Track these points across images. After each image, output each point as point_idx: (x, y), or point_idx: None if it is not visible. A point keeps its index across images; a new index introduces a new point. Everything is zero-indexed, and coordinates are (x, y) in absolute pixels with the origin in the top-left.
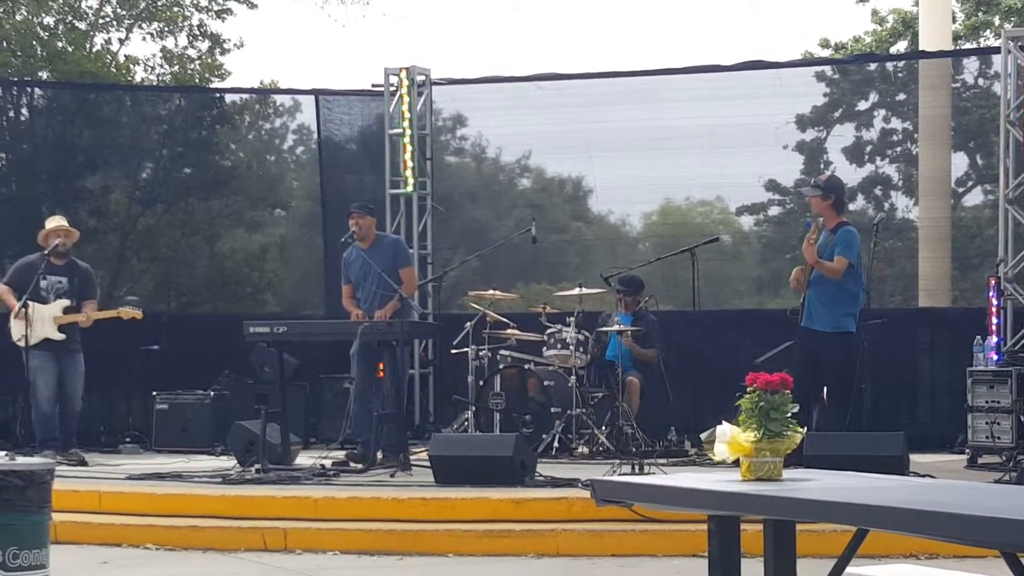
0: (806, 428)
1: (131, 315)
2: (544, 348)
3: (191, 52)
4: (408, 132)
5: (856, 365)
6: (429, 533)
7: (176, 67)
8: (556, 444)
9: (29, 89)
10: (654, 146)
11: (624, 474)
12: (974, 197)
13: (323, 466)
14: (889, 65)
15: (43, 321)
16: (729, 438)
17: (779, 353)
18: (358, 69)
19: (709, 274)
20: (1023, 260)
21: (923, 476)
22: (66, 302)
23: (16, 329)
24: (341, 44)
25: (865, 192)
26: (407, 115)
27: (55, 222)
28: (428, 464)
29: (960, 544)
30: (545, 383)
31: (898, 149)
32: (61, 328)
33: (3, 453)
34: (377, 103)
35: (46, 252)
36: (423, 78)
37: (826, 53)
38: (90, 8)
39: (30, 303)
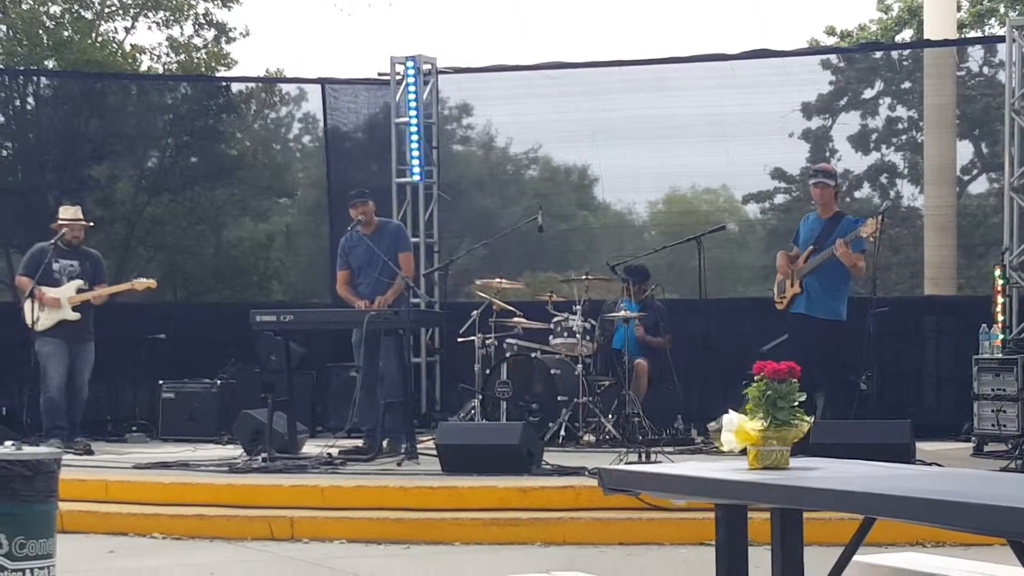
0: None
1: (145, 285)
2: (550, 336)
3: (197, 41)
4: (414, 121)
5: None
6: (436, 521)
7: (182, 56)
8: (563, 432)
9: (35, 78)
10: (660, 135)
11: (631, 462)
12: (979, 185)
13: (330, 455)
14: (894, 53)
15: (58, 298)
16: (736, 427)
17: (786, 341)
18: (364, 58)
19: (715, 262)
20: None
21: (929, 464)
22: (79, 283)
23: (29, 314)
24: (347, 33)
25: (871, 180)
26: (413, 104)
27: (71, 213)
28: (435, 452)
29: (966, 532)
30: (552, 371)
31: (903, 137)
32: (75, 308)
33: (10, 443)
34: (383, 92)
35: (55, 239)
36: (429, 67)
37: (832, 41)
38: None
39: (41, 288)
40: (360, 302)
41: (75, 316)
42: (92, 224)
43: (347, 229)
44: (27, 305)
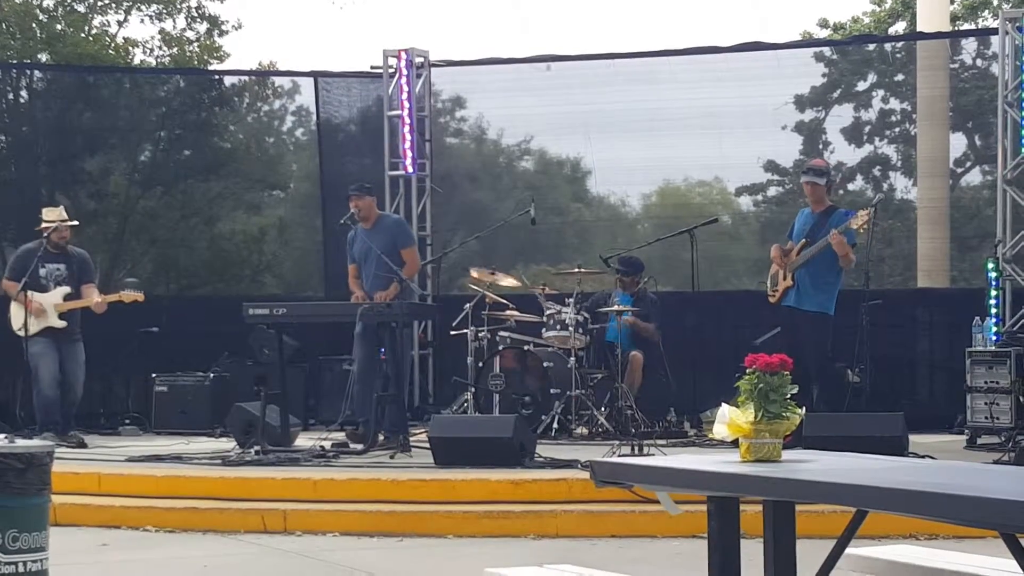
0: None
1: (133, 298)
2: (543, 329)
3: (189, 34)
4: (407, 114)
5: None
6: (428, 514)
7: (175, 49)
8: (555, 425)
9: (28, 72)
10: (653, 127)
11: (623, 455)
12: (972, 177)
13: (323, 447)
14: (888, 46)
15: (44, 309)
16: (728, 419)
17: (778, 334)
18: (357, 51)
19: (708, 255)
20: (1021, 240)
21: (922, 457)
22: (66, 289)
23: (16, 318)
24: (340, 26)
25: (864, 172)
26: (406, 97)
27: (55, 214)
28: (428, 445)
29: (959, 525)
30: (544, 364)
31: (897, 129)
32: (62, 316)
33: (3, 436)
34: (376, 85)
35: (43, 238)
36: (422, 60)
37: (825, 34)
38: None
39: (31, 293)
40: (357, 295)
41: (61, 324)
42: (77, 223)
43: (340, 222)
44: (14, 309)
